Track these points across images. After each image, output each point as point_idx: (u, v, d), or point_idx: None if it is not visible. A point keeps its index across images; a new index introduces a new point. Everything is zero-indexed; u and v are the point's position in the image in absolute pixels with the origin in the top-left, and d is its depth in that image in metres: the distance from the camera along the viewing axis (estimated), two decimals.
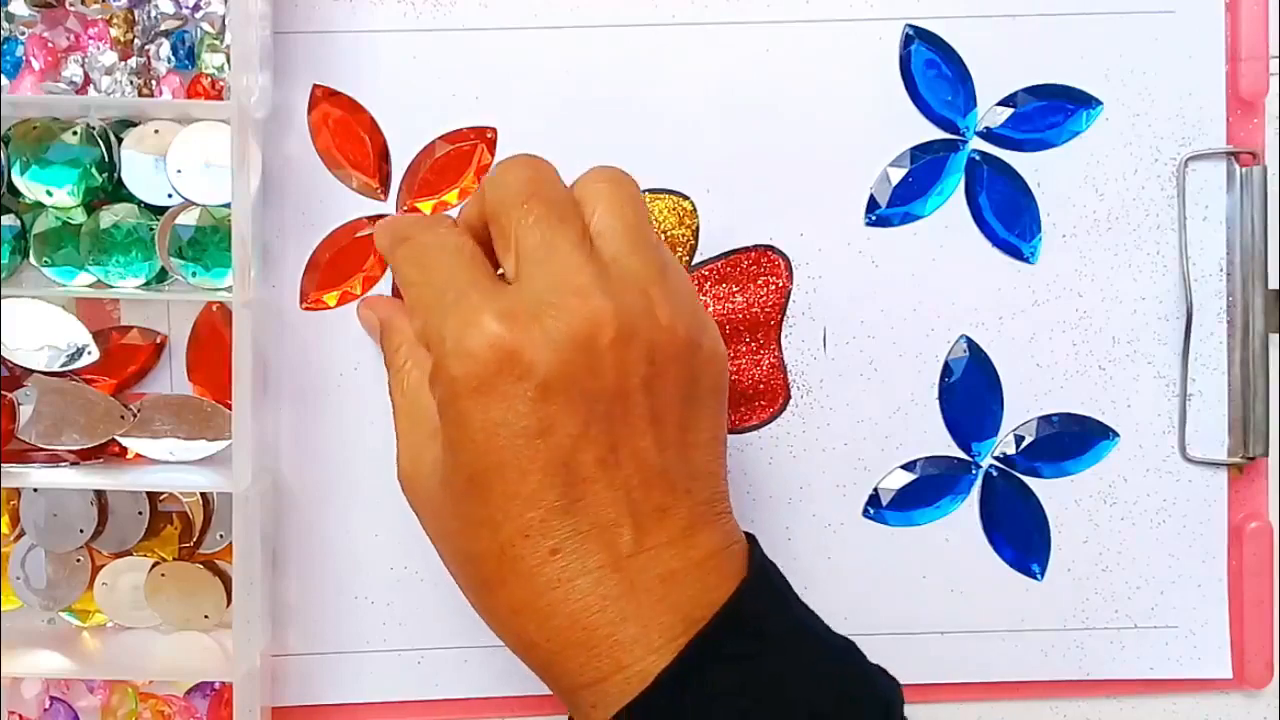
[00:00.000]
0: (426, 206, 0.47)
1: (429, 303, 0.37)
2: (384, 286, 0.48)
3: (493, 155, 0.47)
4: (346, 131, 0.47)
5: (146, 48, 0.46)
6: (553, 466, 0.35)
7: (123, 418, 0.46)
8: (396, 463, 0.40)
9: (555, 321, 0.35)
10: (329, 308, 0.47)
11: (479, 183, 0.47)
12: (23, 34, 0.46)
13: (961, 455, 0.48)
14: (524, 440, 0.35)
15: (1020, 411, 0.48)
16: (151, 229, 0.46)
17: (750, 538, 0.38)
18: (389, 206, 0.47)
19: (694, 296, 0.39)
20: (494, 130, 0.47)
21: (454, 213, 0.47)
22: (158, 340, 0.47)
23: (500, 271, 0.38)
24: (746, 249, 0.48)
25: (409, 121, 0.47)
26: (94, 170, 0.45)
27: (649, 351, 0.36)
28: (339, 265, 0.47)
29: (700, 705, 0.34)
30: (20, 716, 0.48)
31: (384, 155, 0.47)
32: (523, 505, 0.35)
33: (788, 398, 0.48)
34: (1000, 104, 0.48)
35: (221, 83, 0.46)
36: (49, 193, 0.45)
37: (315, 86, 0.47)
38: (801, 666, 0.36)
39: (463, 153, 0.47)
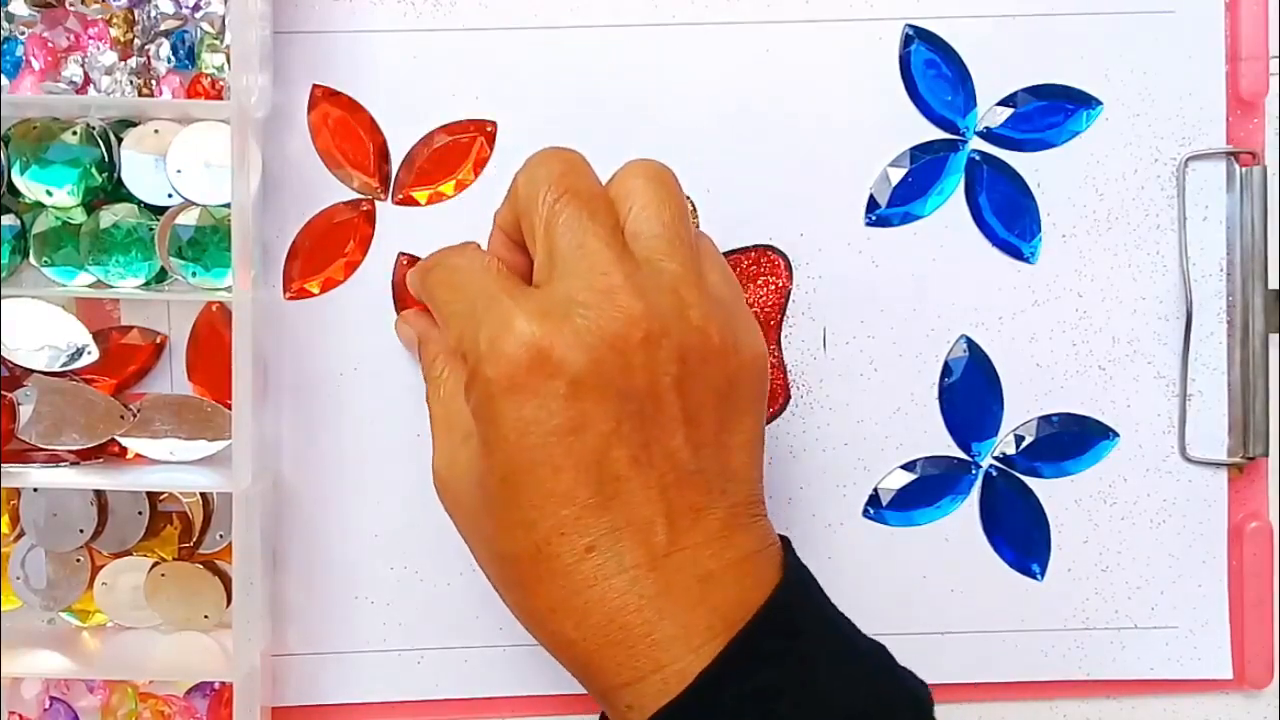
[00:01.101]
0: (422, 195, 0.47)
1: (462, 315, 0.38)
2: (365, 270, 0.48)
3: (491, 149, 0.47)
4: (346, 131, 0.47)
5: (146, 48, 0.46)
6: (585, 464, 0.35)
7: (123, 418, 0.46)
8: (432, 467, 0.40)
9: (585, 320, 0.35)
10: (313, 295, 0.47)
11: (476, 175, 0.47)
12: (23, 34, 0.46)
13: (961, 455, 0.48)
14: (556, 438, 0.35)
15: (1020, 411, 0.48)
16: (151, 229, 0.46)
17: (784, 540, 0.39)
18: (387, 201, 0.47)
19: (734, 299, 0.39)
20: (494, 124, 0.47)
21: (452, 204, 0.47)
22: (157, 340, 0.47)
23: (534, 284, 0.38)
24: (746, 249, 0.48)
25: (409, 121, 0.47)
26: (94, 170, 0.45)
27: (680, 352, 0.36)
28: (320, 250, 0.47)
29: (738, 705, 0.34)
30: (20, 716, 0.48)
31: (384, 155, 0.47)
32: (557, 503, 0.35)
33: (788, 398, 0.48)
34: (1000, 104, 0.48)
35: (221, 83, 0.46)
36: (49, 192, 0.45)
37: (315, 86, 0.47)
38: (837, 667, 0.36)
39: (461, 145, 0.47)
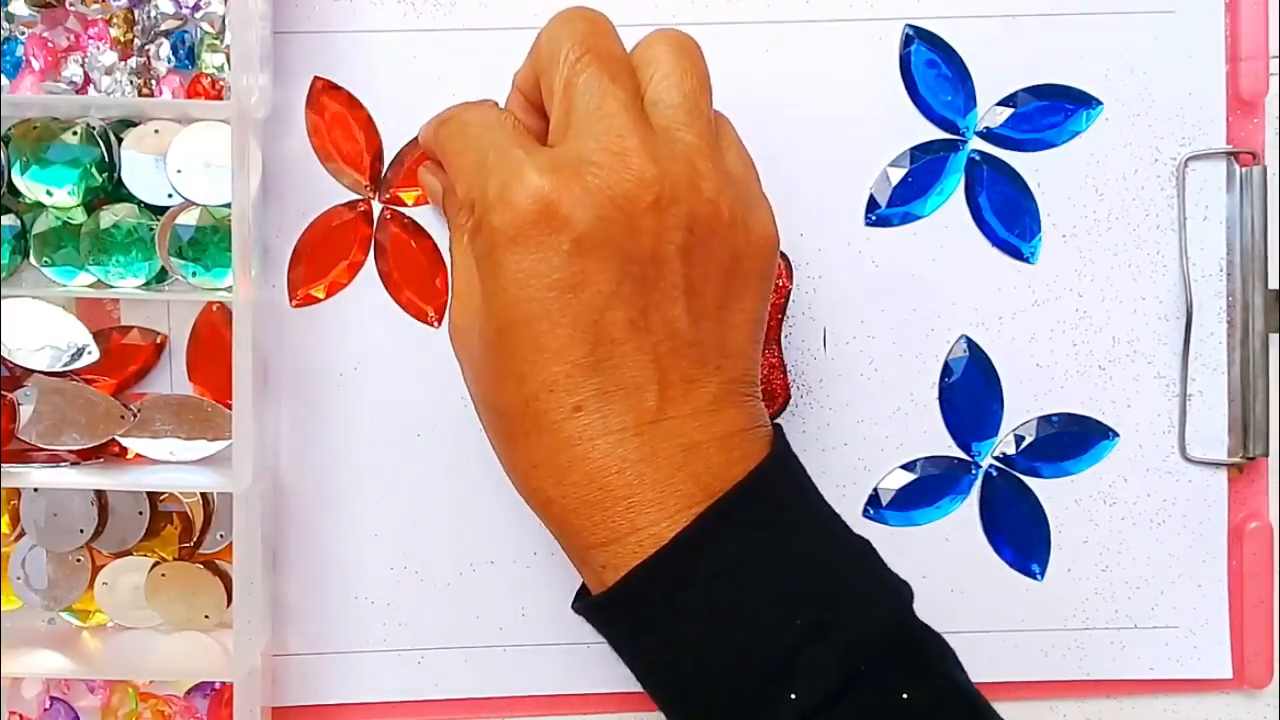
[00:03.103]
0: (409, 196, 0.47)
1: (473, 166, 0.37)
2: (366, 270, 0.48)
3: None
4: (342, 126, 0.47)
5: (146, 48, 0.46)
6: (582, 322, 0.35)
7: (123, 418, 0.46)
8: (448, 316, 0.40)
9: (596, 179, 0.35)
10: (319, 300, 0.47)
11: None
12: (23, 34, 0.46)
13: (961, 455, 0.48)
14: (555, 293, 0.35)
15: (1020, 411, 0.48)
16: (152, 229, 0.46)
17: (777, 427, 0.38)
18: (375, 201, 0.47)
19: (749, 180, 0.39)
20: None
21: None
22: (158, 340, 0.47)
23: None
24: None
25: (407, 121, 0.47)
26: (94, 170, 0.45)
27: (689, 221, 0.35)
28: (323, 255, 0.47)
29: (712, 567, 0.34)
30: (21, 716, 0.48)
31: (378, 154, 0.47)
32: (550, 359, 0.35)
33: (788, 398, 0.48)
34: (1000, 104, 0.48)
35: (221, 83, 0.46)
36: (49, 193, 0.45)
37: (315, 78, 0.47)
38: (815, 545, 0.36)
39: None
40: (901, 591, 0.37)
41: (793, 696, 0.34)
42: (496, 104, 0.41)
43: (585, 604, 0.37)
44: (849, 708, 0.34)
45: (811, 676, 0.34)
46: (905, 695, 0.35)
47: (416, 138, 0.47)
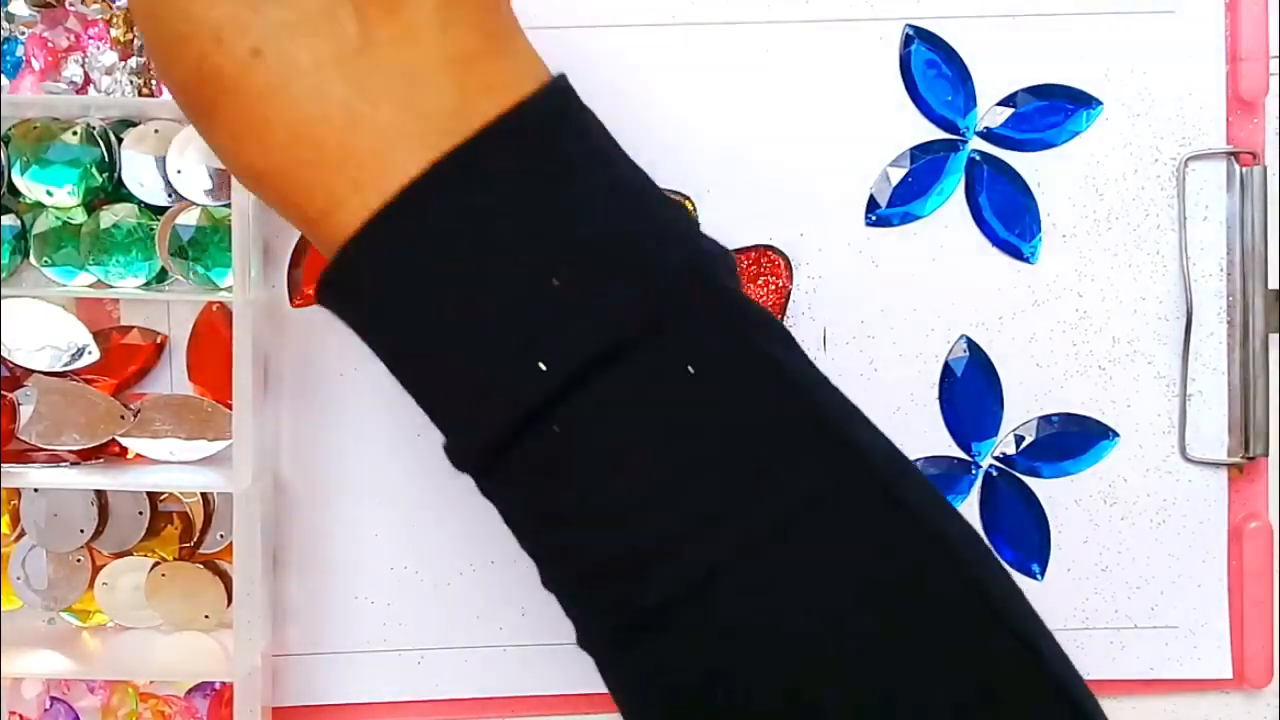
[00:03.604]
0: None
1: None
2: None
3: None
4: None
5: None
6: None
7: (123, 418, 0.46)
8: None
9: None
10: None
11: None
12: (23, 34, 0.46)
13: (961, 455, 0.48)
14: None
15: (1020, 411, 0.48)
16: (152, 229, 0.46)
17: (560, 76, 0.31)
18: None
19: None
20: None
21: None
22: (158, 340, 0.47)
23: None
24: (746, 249, 0.48)
25: None
26: (94, 170, 0.45)
27: None
28: (323, 256, 0.47)
29: (445, 228, 0.28)
30: (21, 716, 0.48)
31: None
32: (206, 5, 0.28)
33: None
34: (1000, 104, 0.48)
35: None
36: (49, 192, 0.45)
37: None
38: (595, 192, 0.30)
39: None
40: (715, 249, 0.31)
41: (541, 367, 0.28)
42: None
43: (318, 286, 0.31)
44: (614, 383, 0.29)
45: (568, 341, 0.28)
46: (691, 367, 0.29)
47: None
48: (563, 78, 0.31)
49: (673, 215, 0.31)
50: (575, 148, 0.30)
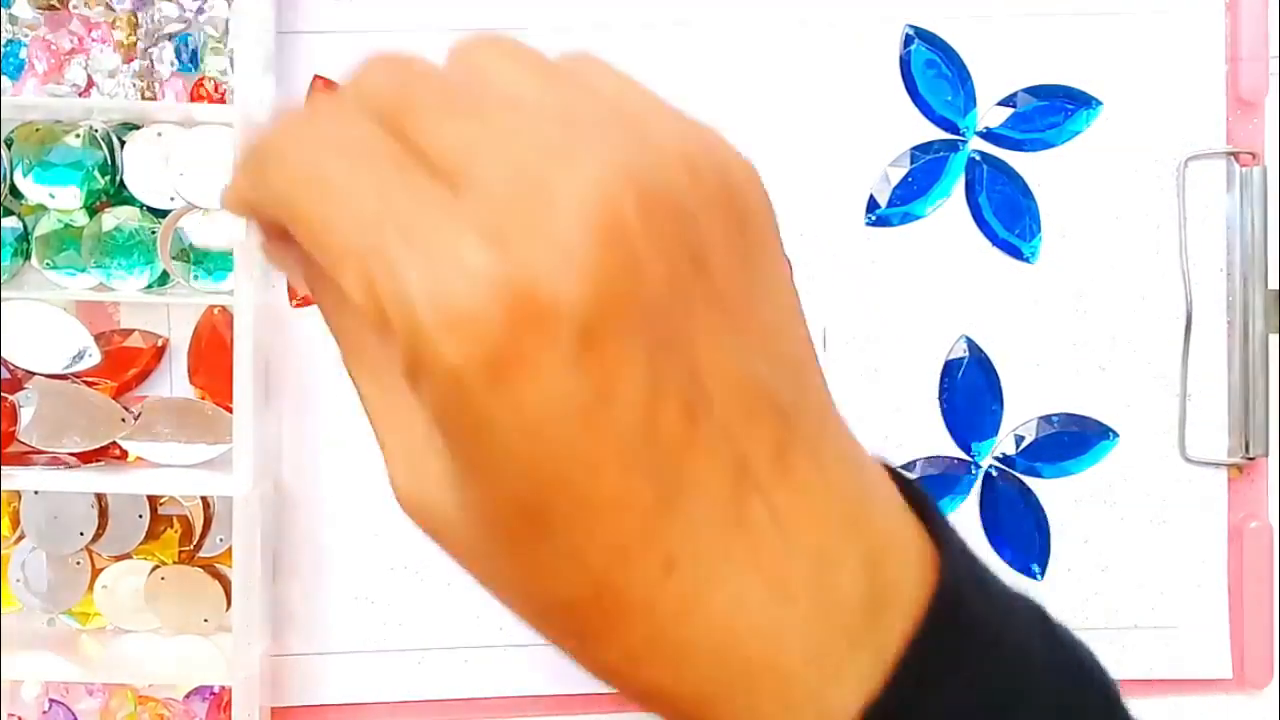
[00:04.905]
0: None
1: (355, 241, 0.23)
2: None
3: None
4: None
5: (150, 51, 0.46)
6: (632, 446, 0.23)
7: (124, 420, 0.46)
8: (390, 481, 0.26)
9: (559, 213, 0.22)
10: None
11: None
12: (26, 36, 0.46)
13: (961, 455, 0.48)
14: (582, 423, 0.22)
15: (1020, 411, 0.48)
16: (153, 232, 0.46)
17: (893, 470, 0.27)
18: None
19: (684, 117, 0.26)
20: None
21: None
22: (159, 343, 0.47)
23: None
24: None
25: None
26: (96, 173, 0.45)
27: (679, 200, 0.23)
28: None
29: None
30: (20, 719, 0.47)
31: None
32: (611, 517, 0.23)
33: None
34: (1000, 104, 0.48)
35: (225, 86, 0.46)
36: (52, 195, 0.45)
37: (315, 77, 0.47)
38: (1029, 665, 0.26)
39: None
40: (1108, 679, 0.28)
41: None
42: (340, 107, 0.25)
43: None
44: None
45: None
46: None
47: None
48: (900, 475, 0.27)
49: (1070, 639, 0.27)
50: (990, 599, 0.26)
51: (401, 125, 0.24)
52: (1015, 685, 0.25)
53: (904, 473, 0.27)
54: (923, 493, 0.26)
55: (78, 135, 0.45)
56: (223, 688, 0.47)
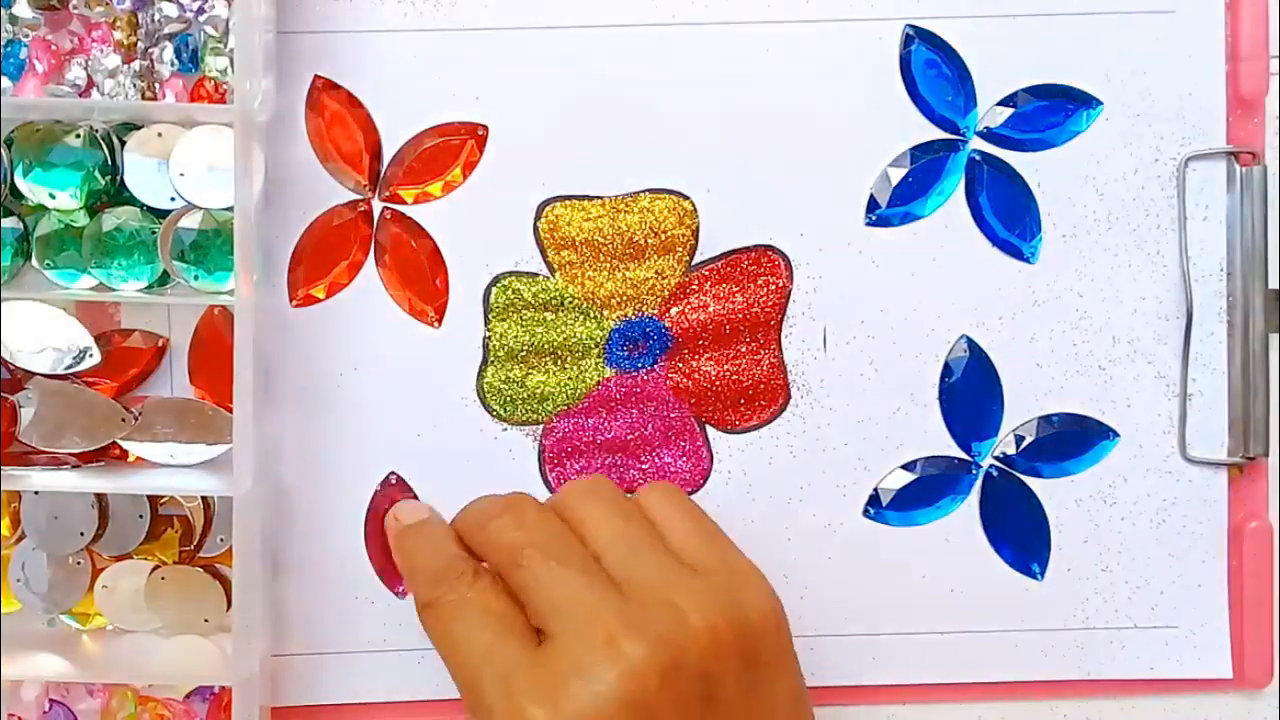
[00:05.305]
0: (409, 194, 0.47)
1: (469, 681, 0.36)
2: (365, 271, 0.48)
3: (481, 152, 0.47)
4: (341, 125, 0.47)
5: (150, 51, 0.46)
6: None
7: (124, 421, 0.46)
8: None
9: (599, 685, 0.32)
10: (320, 300, 0.47)
11: (465, 178, 0.47)
12: (26, 36, 0.46)
13: (961, 455, 0.49)
14: None
15: (1020, 411, 0.48)
16: (154, 232, 0.46)
17: None
18: (375, 200, 0.47)
19: (721, 557, 0.37)
20: (485, 127, 0.47)
21: (438, 205, 0.47)
22: (159, 343, 0.47)
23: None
24: (746, 249, 0.48)
25: (407, 120, 0.47)
26: (97, 173, 0.45)
27: (699, 667, 0.33)
28: (323, 255, 0.47)
29: None
30: (20, 719, 0.48)
31: (376, 154, 0.47)
32: None
33: (788, 398, 0.48)
34: (1000, 104, 0.48)
35: (225, 86, 0.46)
36: (51, 195, 0.45)
37: (316, 77, 0.47)
38: None
39: (451, 146, 0.47)
40: None
41: None
42: (477, 576, 0.39)
43: None
44: None
45: None
46: None
47: (412, 140, 0.47)
48: None
49: None
50: None
51: (519, 578, 0.36)
52: None
53: None
54: None
55: (78, 135, 0.45)
56: (223, 688, 0.47)
